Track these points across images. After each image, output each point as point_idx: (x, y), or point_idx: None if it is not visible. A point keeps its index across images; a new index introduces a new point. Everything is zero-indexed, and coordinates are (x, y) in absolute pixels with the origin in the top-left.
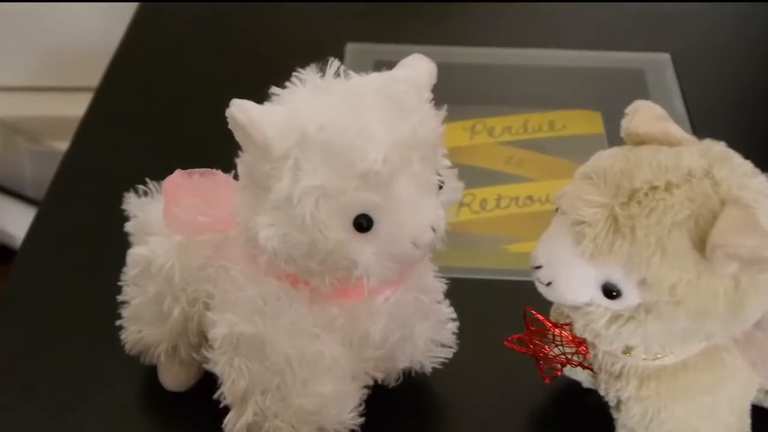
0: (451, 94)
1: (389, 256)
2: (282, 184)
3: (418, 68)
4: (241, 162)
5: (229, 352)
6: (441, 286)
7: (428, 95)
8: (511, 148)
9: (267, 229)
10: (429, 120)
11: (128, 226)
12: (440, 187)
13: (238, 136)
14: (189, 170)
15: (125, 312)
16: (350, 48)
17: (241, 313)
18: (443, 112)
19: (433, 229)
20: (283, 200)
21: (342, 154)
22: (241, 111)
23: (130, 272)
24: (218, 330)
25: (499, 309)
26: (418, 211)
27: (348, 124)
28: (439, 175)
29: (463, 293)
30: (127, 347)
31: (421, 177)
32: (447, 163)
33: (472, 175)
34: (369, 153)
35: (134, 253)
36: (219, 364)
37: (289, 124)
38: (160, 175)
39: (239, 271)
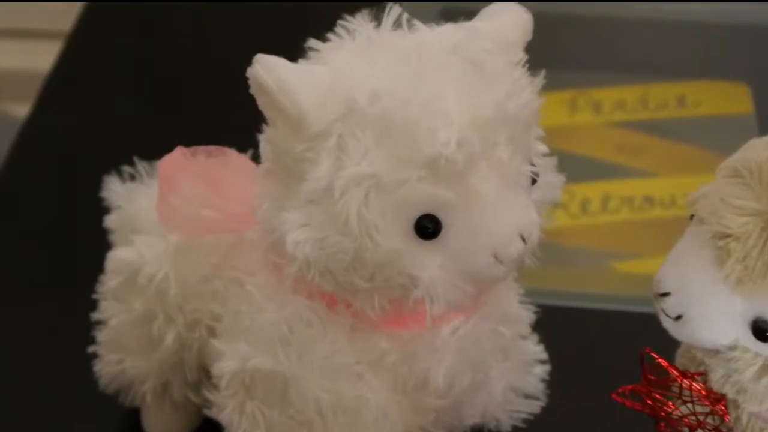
0: (546, 55)
1: (461, 272)
2: (320, 170)
3: (506, 20)
4: (266, 139)
5: (240, 394)
6: (527, 315)
7: (520, 57)
8: (625, 131)
9: (298, 230)
10: (521, 90)
11: (109, 221)
12: (533, 182)
13: (263, 104)
14: (192, 148)
15: (101, 335)
16: None
17: (258, 343)
18: (540, 79)
19: (523, 239)
20: (320, 192)
21: (402, 133)
22: (267, 71)
23: (109, 282)
24: (226, 364)
25: (606, 349)
26: (503, 213)
27: (411, 93)
28: (532, 165)
29: (557, 326)
30: (103, 382)
31: (509, 167)
32: (543, 149)
33: (571, 166)
34: (439, 132)
35: (116, 257)
36: (225, 410)
37: (331, 90)
38: (152, 153)
39: (257, 285)
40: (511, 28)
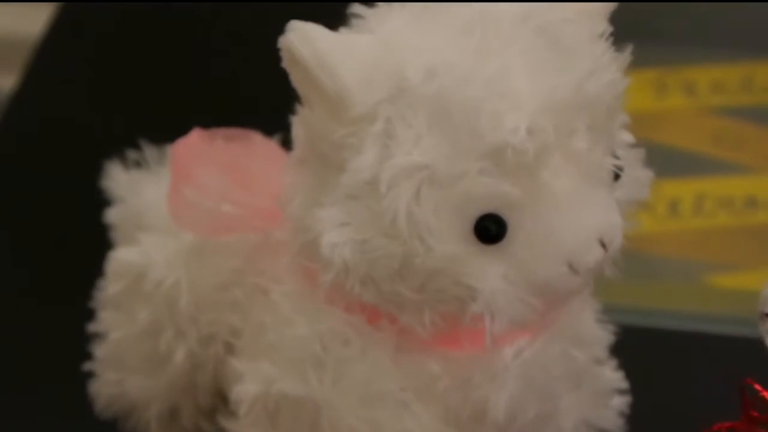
0: (630, 26)
1: (528, 283)
2: (363, 160)
3: None
4: (299, 122)
5: (263, 422)
6: (605, 336)
7: (604, 28)
8: (724, 118)
9: (335, 230)
10: (604, 68)
11: (110, 215)
12: (616, 177)
13: (297, 80)
14: (211, 130)
15: (99, 350)
16: None
17: (286, 363)
18: (627, 55)
19: (603, 245)
20: (363, 186)
21: (462, 116)
22: (304, 41)
23: (109, 288)
24: (247, 387)
25: (698, 378)
26: (580, 214)
27: (473, 70)
28: (615, 157)
29: (640, 350)
30: (99, 405)
31: (588, 159)
32: (628, 138)
33: (658, 160)
34: (506, 117)
35: (118, 259)
36: None
37: (379, 65)
38: (162, 136)
39: (285, 294)
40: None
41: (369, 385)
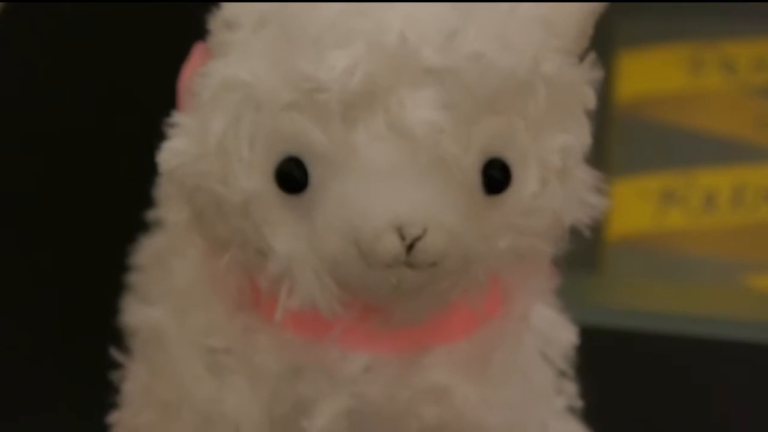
0: None
1: (321, 257)
2: (210, 66)
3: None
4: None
5: (141, 353)
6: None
7: (563, 45)
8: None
9: (181, 137)
10: (501, 48)
11: None
12: (497, 189)
13: None
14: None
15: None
16: None
17: (161, 291)
18: (587, 68)
19: (403, 237)
20: (200, 93)
21: (297, 44)
22: None
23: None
24: (140, 308)
25: (736, 391)
26: (386, 193)
27: (339, 5)
28: (502, 165)
29: (670, 359)
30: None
31: (424, 139)
32: (556, 161)
33: (692, 146)
34: (333, 52)
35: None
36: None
37: None
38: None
39: None
40: (567, 14)
41: (204, 336)
